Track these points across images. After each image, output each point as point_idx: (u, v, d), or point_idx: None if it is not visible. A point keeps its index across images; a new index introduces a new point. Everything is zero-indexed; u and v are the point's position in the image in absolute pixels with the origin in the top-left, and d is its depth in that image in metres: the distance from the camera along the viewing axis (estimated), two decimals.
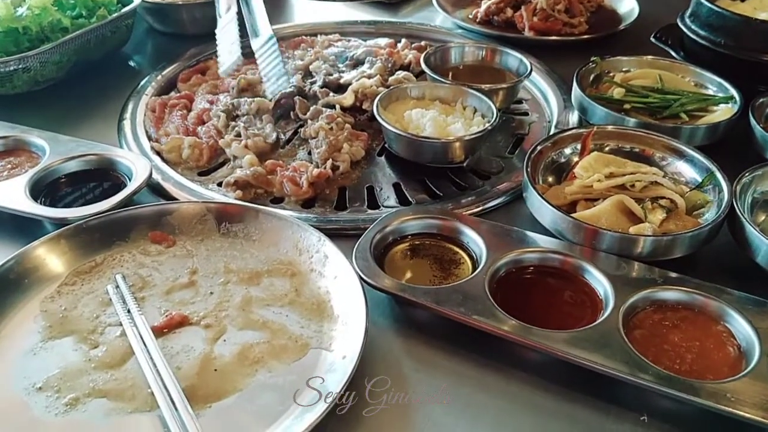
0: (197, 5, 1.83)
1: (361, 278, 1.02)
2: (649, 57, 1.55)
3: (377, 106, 1.36)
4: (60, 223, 1.15)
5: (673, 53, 1.64)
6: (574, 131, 1.30)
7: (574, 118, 1.50)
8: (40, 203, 1.21)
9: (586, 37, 1.84)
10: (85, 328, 1.00)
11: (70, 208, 1.19)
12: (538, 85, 1.63)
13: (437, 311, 0.98)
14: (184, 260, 1.12)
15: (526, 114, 1.57)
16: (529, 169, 1.20)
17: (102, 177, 1.30)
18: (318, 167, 1.30)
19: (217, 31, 1.51)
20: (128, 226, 1.15)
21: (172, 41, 1.86)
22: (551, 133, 1.45)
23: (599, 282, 1.03)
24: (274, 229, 1.15)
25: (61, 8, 1.60)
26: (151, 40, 1.90)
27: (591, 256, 1.06)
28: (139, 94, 1.59)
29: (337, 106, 1.47)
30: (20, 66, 1.49)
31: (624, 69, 1.55)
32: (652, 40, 1.71)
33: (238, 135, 1.40)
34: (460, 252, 1.13)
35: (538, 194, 1.15)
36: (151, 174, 1.26)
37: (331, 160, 1.33)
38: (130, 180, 1.27)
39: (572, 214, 1.12)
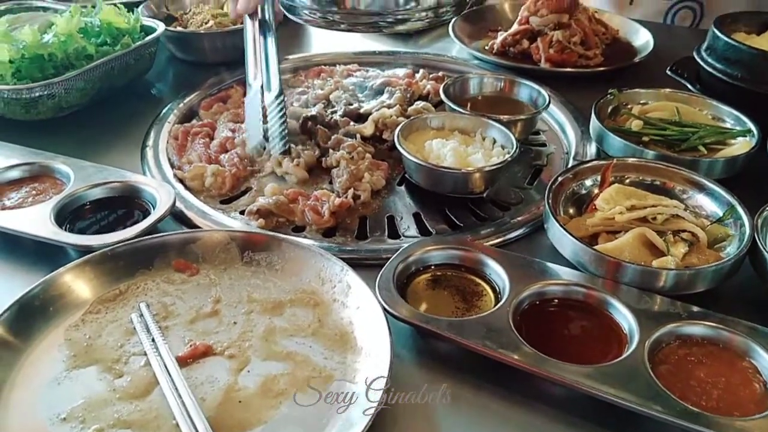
0: (218, 34, 1.85)
1: (384, 309, 1.03)
2: (667, 90, 1.56)
3: (398, 136, 1.37)
4: (85, 250, 1.16)
5: (689, 86, 1.65)
6: (594, 163, 1.31)
7: (592, 149, 1.51)
8: (65, 230, 1.22)
9: (601, 69, 1.85)
10: (110, 357, 1.00)
11: (95, 235, 1.20)
12: (555, 116, 1.65)
13: (462, 344, 0.98)
14: (207, 289, 1.13)
15: (543, 145, 1.58)
16: (550, 201, 1.21)
17: (126, 204, 1.31)
18: (339, 197, 1.31)
19: (246, 100, 1.48)
20: (152, 255, 1.16)
21: (194, 69, 1.89)
22: (570, 164, 1.46)
23: (623, 316, 1.03)
24: (297, 258, 1.16)
25: (87, 36, 1.63)
26: (172, 68, 1.93)
27: (614, 289, 1.06)
28: (162, 122, 1.61)
29: (358, 136, 1.49)
30: (45, 92, 1.51)
31: (641, 101, 1.56)
32: (668, 72, 1.72)
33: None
34: (482, 284, 1.13)
35: (560, 226, 1.15)
36: (174, 202, 1.27)
37: (352, 189, 1.34)
38: (153, 207, 1.28)
39: (594, 247, 1.12)
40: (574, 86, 1.78)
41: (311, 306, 1.10)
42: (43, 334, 1.04)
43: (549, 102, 1.51)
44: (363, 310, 1.05)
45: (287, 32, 2.08)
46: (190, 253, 1.18)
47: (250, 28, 1.39)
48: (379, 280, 1.08)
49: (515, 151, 1.33)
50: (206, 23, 1.90)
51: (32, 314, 1.04)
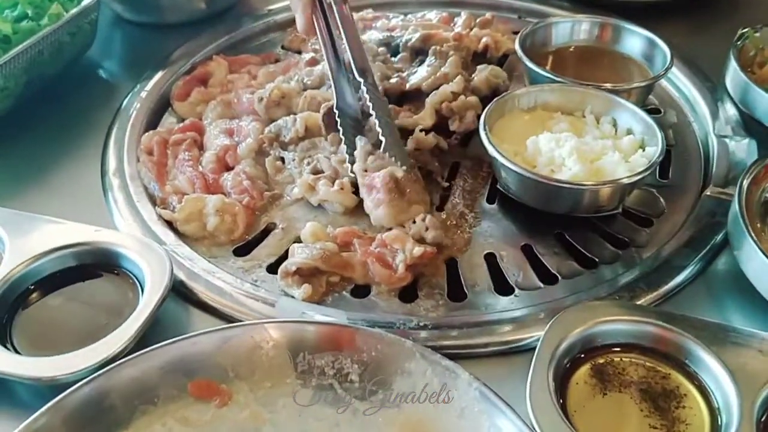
0: None
1: None
2: None
3: (486, 133, 0.93)
4: (45, 384, 0.72)
5: None
6: None
7: (729, 113, 1.10)
8: (7, 346, 0.78)
9: None
10: None
11: (56, 357, 0.75)
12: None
13: None
14: (251, 429, 0.71)
15: (658, 111, 1.16)
16: (745, 215, 0.82)
17: (95, 282, 0.86)
18: (419, 241, 0.88)
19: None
20: (155, 379, 0.73)
21: (151, 34, 1.39)
22: (715, 141, 1.05)
23: None
24: (384, 360, 0.75)
25: None
26: (121, 34, 1.42)
27: None
28: (123, 124, 1.13)
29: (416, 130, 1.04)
30: None
31: None
32: None
33: (316, 172, 0.99)
34: (672, 372, 0.74)
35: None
36: (172, 276, 0.83)
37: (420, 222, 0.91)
38: (139, 282, 0.84)
39: None
40: (660, 21, 1.32)
41: None
42: None
43: (672, 59, 1.07)
44: None
45: None
46: (213, 367, 0.75)
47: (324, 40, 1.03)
48: (531, 395, 0.68)
49: (663, 145, 0.91)
50: None
51: None
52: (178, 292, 0.87)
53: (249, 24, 1.39)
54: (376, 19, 1.36)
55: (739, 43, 1.11)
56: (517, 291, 0.87)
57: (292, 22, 1.39)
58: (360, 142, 0.97)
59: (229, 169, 1.02)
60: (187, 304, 0.87)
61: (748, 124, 1.07)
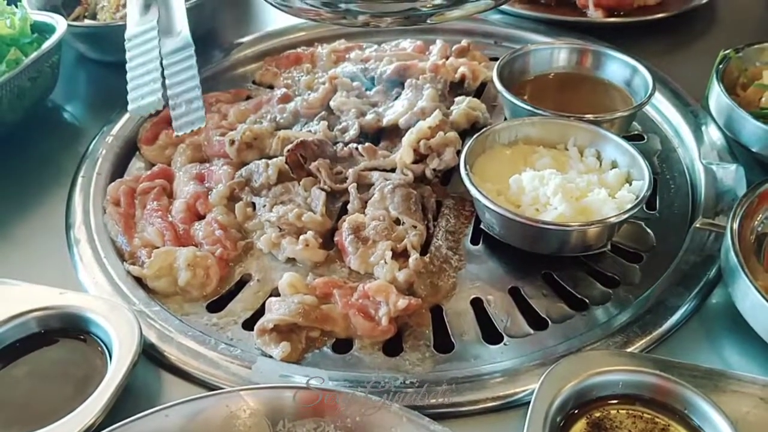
0: None
1: None
2: None
3: (468, 173, 0.90)
4: None
5: None
6: None
7: (714, 137, 1.07)
8: None
9: (664, 15, 1.39)
10: None
11: None
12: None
13: None
14: None
15: (641, 138, 1.13)
16: (738, 251, 0.79)
17: (60, 349, 0.82)
18: (402, 293, 0.84)
19: (126, 41, 1.04)
20: None
21: (117, 74, 1.31)
22: (702, 169, 1.02)
23: None
24: (369, 426, 0.71)
25: None
26: (85, 75, 1.37)
27: None
28: (89, 171, 1.09)
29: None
30: None
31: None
32: None
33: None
34: (672, 423, 0.71)
35: (763, 297, 0.74)
36: (142, 341, 0.78)
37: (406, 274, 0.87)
38: (107, 348, 0.79)
39: None
40: (629, 39, 1.29)
41: None
42: None
43: (654, 85, 1.04)
44: None
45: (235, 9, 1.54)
46: None
47: None
48: None
49: (650, 179, 0.88)
50: (123, 5, 1.33)
51: None
52: (149, 356, 0.82)
53: (218, 58, 1.35)
54: (350, 50, 1.32)
55: (721, 66, 1.08)
56: (506, 339, 0.83)
57: (263, 54, 1.36)
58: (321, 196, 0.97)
59: (200, 217, 0.98)
60: (159, 368, 0.82)
61: (734, 148, 1.04)
